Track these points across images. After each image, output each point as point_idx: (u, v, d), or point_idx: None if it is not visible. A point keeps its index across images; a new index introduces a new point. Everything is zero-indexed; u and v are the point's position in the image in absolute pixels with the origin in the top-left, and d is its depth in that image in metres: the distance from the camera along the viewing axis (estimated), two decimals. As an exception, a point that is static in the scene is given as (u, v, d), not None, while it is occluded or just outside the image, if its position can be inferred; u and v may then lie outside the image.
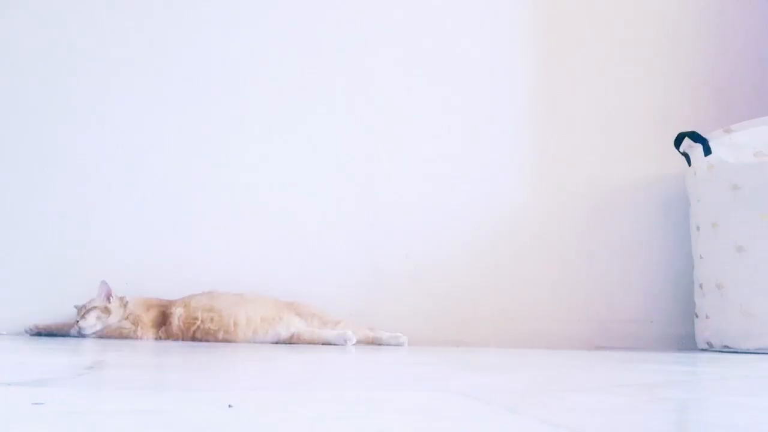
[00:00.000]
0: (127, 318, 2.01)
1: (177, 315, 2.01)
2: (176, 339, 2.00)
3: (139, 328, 1.99)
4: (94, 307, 1.98)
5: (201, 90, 2.34)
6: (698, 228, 2.23)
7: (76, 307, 2.01)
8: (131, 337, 1.97)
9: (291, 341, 2.00)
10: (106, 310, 1.99)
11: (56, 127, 2.26)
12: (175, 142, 2.31)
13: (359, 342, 2.00)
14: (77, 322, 1.96)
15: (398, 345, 2.02)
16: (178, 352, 1.52)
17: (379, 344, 2.02)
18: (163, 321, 2.03)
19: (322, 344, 1.96)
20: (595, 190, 2.50)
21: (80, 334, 1.96)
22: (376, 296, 2.32)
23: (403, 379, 1.08)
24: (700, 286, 2.22)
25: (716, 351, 2.13)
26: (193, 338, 2.00)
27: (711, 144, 2.18)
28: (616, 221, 2.49)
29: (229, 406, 0.66)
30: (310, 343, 1.98)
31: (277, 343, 2.01)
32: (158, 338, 2.01)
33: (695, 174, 2.24)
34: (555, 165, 2.49)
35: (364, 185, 2.39)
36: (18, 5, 2.28)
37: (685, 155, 2.30)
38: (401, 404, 0.74)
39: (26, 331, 2.01)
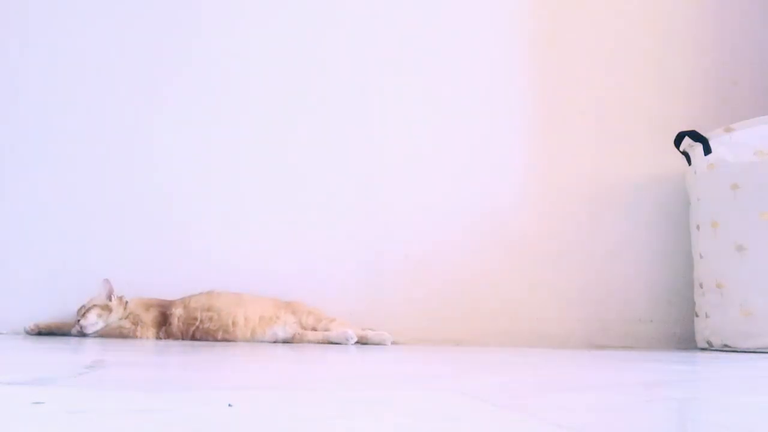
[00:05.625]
0: (127, 318, 2.01)
1: (176, 315, 2.02)
2: (176, 339, 2.00)
3: (139, 327, 1.99)
4: (95, 306, 1.98)
5: (203, 90, 2.34)
6: (698, 227, 2.23)
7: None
8: (131, 337, 1.98)
9: (293, 341, 2.01)
10: (107, 308, 1.99)
11: (56, 126, 2.26)
12: (176, 141, 2.31)
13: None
14: (78, 321, 1.96)
15: (381, 343, 2.01)
16: (177, 352, 1.52)
17: (365, 343, 2.02)
18: (162, 321, 2.03)
19: (323, 343, 1.97)
20: (595, 190, 2.50)
21: (81, 334, 1.96)
22: (376, 296, 2.32)
23: (403, 378, 1.08)
24: (700, 286, 2.22)
25: (716, 350, 2.13)
26: (193, 338, 2.01)
27: (711, 143, 2.18)
28: (615, 221, 2.49)
29: (229, 405, 0.66)
30: (311, 342, 1.99)
31: (276, 342, 2.01)
32: (158, 338, 2.01)
33: (695, 173, 2.24)
34: (555, 165, 2.49)
35: (364, 186, 2.39)
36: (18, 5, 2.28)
37: (685, 154, 2.30)
38: (401, 404, 0.74)
39: (26, 331, 2.01)
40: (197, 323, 2.01)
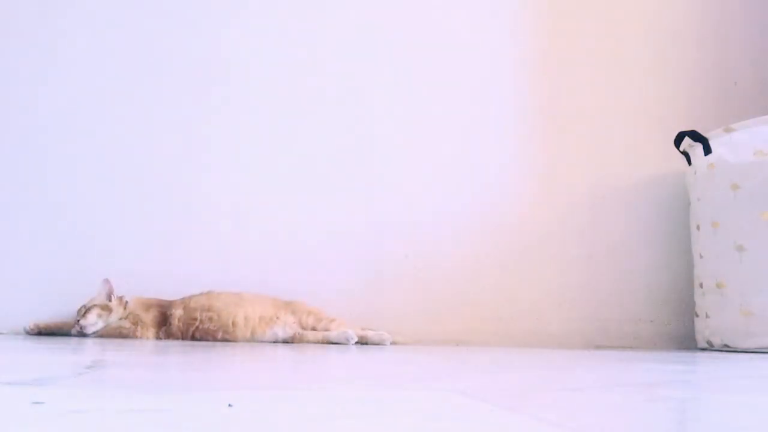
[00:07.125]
0: (126, 318, 2.01)
1: (176, 315, 2.02)
2: (176, 339, 2.00)
3: (138, 327, 1.99)
4: (95, 306, 1.98)
5: (202, 89, 2.34)
6: (698, 227, 2.23)
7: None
8: (131, 337, 1.98)
9: (293, 341, 2.01)
10: (107, 308, 1.99)
11: (56, 126, 2.26)
12: (177, 142, 2.31)
13: None
14: (78, 321, 1.96)
15: (381, 343, 2.01)
16: (177, 352, 1.52)
17: (365, 343, 2.02)
18: (162, 321, 2.03)
19: (323, 343, 1.97)
20: (595, 190, 2.50)
21: (81, 334, 1.96)
22: (376, 297, 2.32)
23: (403, 378, 1.08)
24: (700, 286, 2.22)
25: (716, 350, 2.13)
26: (193, 338, 2.01)
27: (711, 143, 2.18)
28: (616, 221, 2.49)
29: (229, 405, 0.66)
30: (311, 342, 1.99)
31: (276, 342, 2.01)
32: (158, 338, 2.01)
33: (695, 173, 2.24)
34: (554, 165, 2.49)
35: (364, 186, 2.39)
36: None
37: (685, 154, 2.30)
38: (401, 404, 0.74)
39: (26, 331, 2.01)
40: (197, 323, 2.01)
